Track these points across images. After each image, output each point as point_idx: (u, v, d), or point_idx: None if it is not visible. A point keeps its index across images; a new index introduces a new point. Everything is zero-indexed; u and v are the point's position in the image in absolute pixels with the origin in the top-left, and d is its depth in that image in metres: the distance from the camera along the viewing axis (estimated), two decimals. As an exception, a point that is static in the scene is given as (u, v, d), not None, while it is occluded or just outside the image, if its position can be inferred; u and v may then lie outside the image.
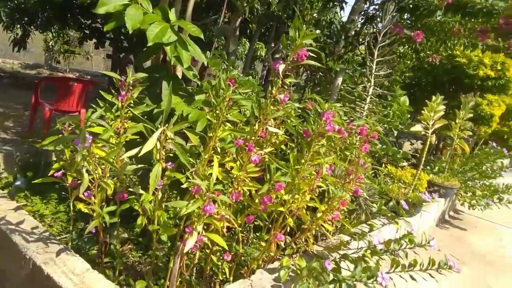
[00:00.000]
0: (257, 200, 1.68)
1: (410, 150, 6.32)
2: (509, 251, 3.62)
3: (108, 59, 10.44)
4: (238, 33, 3.82)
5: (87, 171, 1.55)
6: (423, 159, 3.22)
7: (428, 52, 4.32)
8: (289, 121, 1.94)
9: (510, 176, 6.24)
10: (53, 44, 11.79)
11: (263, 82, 4.89)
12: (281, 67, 1.50)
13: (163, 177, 1.65)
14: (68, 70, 12.29)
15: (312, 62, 1.59)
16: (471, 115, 3.83)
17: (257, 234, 2.22)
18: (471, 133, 3.93)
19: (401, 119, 3.38)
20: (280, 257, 2.16)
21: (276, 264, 2.01)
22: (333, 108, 1.82)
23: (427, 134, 3.14)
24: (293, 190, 1.71)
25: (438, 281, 1.87)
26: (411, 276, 1.89)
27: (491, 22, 3.25)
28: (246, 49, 7.74)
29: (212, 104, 1.57)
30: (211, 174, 1.54)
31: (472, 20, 3.20)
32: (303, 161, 1.78)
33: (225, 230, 1.68)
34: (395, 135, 3.98)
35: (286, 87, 1.59)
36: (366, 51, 2.51)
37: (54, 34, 10.08)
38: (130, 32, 1.73)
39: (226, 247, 1.53)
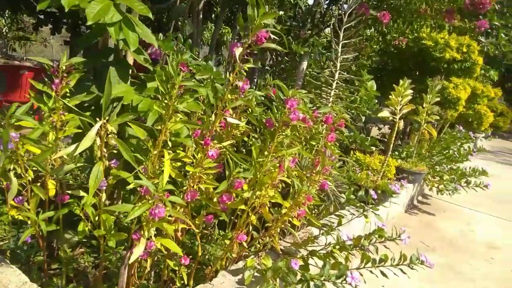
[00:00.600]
0: (215, 199, 1.52)
1: (378, 135, 6.32)
2: (478, 235, 3.63)
3: (66, 45, 9.91)
4: (201, 16, 3.60)
5: (16, 174, 1.34)
6: (391, 145, 3.15)
7: (394, 35, 4.24)
8: (251, 110, 1.78)
9: (477, 160, 6.35)
10: (6, 30, 11.09)
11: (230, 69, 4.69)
12: (238, 50, 1.33)
13: (108, 177, 1.47)
14: (25, 58, 11.63)
15: (273, 45, 1.43)
16: (438, 99, 3.79)
17: (221, 232, 2.07)
18: (438, 117, 3.90)
19: (368, 105, 3.28)
20: (248, 253, 2.02)
21: (241, 264, 1.87)
22: (297, 94, 1.67)
23: (394, 120, 3.05)
24: (255, 186, 1.56)
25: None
26: (382, 272, 1.79)
27: (457, 2, 3.18)
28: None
29: (161, 92, 1.39)
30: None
31: (439, 0, 3.12)
32: (266, 153, 1.63)
33: (179, 234, 1.52)
34: (363, 121, 3.91)
35: (245, 73, 1.42)
36: (331, 34, 2.38)
37: (6, 19, 9.46)
38: (66, 11, 1.51)
39: (181, 253, 1.37)
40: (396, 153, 4.22)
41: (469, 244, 3.39)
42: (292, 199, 1.64)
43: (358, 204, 2.43)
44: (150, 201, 1.25)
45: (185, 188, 1.49)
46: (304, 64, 2.46)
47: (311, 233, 2.41)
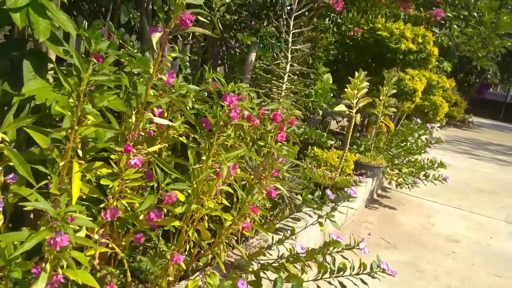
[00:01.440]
0: (142, 217, 1.28)
1: (336, 128, 6.23)
2: (438, 228, 3.57)
3: None
4: (151, 6, 3.31)
5: None
6: (349, 140, 3.00)
7: (349, 26, 4.10)
8: (188, 107, 1.55)
9: (435, 150, 6.40)
10: None
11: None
12: (157, 35, 1.09)
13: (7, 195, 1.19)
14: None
15: (199, 29, 1.20)
16: (394, 91, 3.69)
17: (168, 244, 1.82)
18: (395, 110, 3.81)
19: (324, 98, 3.12)
20: (194, 268, 1.79)
21: (183, 285, 1.64)
22: (239, 89, 1.45)
23: (351, 114, 2.90)
24: (192, 198, 1.33)
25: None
26: (340, 283, 1.62)
27: (412, -10, 3.07)
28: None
29: (67, 89, 1.13)
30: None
31: (393, -12, 3.00)
32: (204, 158, 1.40)
33: (96, 262, 1.26)
34: (320, 114, 3.75)
35: (169, 64, 1.18)
36: (281, 23, 2.17)
37: None
38: None
39: (97, 286, 1.12)
40: (355, 147, 4.11)
41: (431, 239, 3.32)
42: (237, 210, 1.42)
43: (315, 206, 2.25)
44: (50, 227, 0.99)
45: (103, 205, 1.24)
46: (253, 56, 2.25)
47: (265, 240, 2.21)
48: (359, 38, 4.21)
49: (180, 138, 1.58)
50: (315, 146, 3.43)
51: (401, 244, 3.12)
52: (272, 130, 1.72)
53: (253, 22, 3.06)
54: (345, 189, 1.94)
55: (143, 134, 1.29)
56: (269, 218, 2.31)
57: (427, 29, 4.51)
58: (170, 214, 1.34)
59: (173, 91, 1.45)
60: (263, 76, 2.26)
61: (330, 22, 3.74)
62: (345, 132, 5.56)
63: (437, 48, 4.57)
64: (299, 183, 2.28)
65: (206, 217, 1.36)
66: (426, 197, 4.38)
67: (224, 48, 3.21)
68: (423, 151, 4.06)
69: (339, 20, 3.98)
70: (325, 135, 2.66)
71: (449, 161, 5.98)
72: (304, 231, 2.26)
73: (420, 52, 4.32)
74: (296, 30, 2.21)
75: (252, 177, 1.67)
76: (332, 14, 3.80)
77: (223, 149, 1.47)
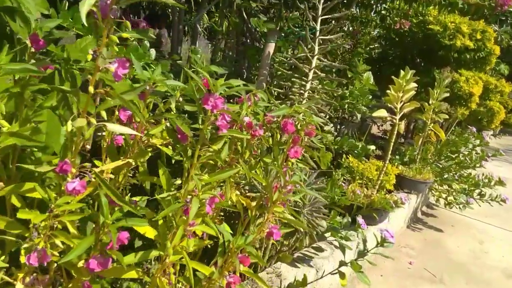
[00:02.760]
0: (80, 264, 0.90)
1: (378, 132, 5.69)
2: (493, 257, 3.01)
3: None
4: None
5: None
6: (390, 151, 2.52)
7: (395, 18, 3.59)
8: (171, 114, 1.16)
9: (493, 164, 5.69)
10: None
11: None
12: (86, 4, 0.71)
13: None
14: None
15: (170, 1, 0.81)
16: (446, 94, 3.15)
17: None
18: (447, 117, 3.27)
19: (361, 100, 2.65)
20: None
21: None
22: (229, 86, 1.05)
23: (394, 120, 2.42)
24: (158, 240, 0.95)
25: None
26: None
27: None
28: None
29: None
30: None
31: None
32: (178, 182, 1.01)
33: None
34: (359, 118, 3.28)
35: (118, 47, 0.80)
36: (306, 7, 1.74)
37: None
38: None
39: None
40: (397, 156, 3.60)
41: (484, 271, 2.77)
42: (221, 256, 1.02)
43: (342, 235, 1.81)
44: None
45: (27, 245, 0.88)
46: (271, 47, 1.84)
47: (278, 274, 1.80)
48: (406, 33, 3.68)
49: (164, 149, 1.20)
50: (350, 155, 2.97)
51: (449, 278, 2.61)
52: (286, 142, 1.31)
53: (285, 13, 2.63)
54: (381, 232, 1.49)
55: (88, 147, 0.92)
56: (284, 245, 1.89)
57: (487, 25, 3.91)
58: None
59: (151, 87, 1.08)
60: (281, 72, 1.84)
61: (373, 13, 3.25)
62: (387, 137, 5.03)
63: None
64: (325, 204, 1.84)
65: (172, 269, 0.97)
66: (478, 218, 3.79)
67: (248, 41, 2.81)
68: (478, 165, 3.48)
69: (383, 11, 3.48)
70: (360, 145, 2.20)
71: (506, 174, 5.28)
72: (328, 261, 1.82)
73: (478, 50, 3.73)
74: (326, 16, 1.77)
75: (254, 203, 1.26)
76: (375, 5, 3.31)
77: (210, 169, 1.08)
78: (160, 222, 0.95)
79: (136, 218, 0.91)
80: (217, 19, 6.28)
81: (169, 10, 5.16)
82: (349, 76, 2.98)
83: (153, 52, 1.83)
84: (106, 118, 0.88)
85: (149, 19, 5.55)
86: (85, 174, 0.94)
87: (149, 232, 1.04)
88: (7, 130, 0.81)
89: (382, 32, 3.82)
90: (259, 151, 1.24)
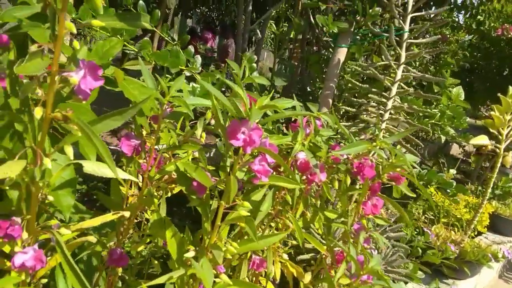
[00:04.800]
0: None
1: (459, 154, 5.01)
2: None
3: None
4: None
5: None
6: (490, 188, 1.98)
7: (494, 24, 3.01)
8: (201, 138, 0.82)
9: None
10: None
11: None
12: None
13: None
14: None
15: None
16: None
17: None
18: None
19: (453, 122, 2.15)
20: None
21: None
22: (283, 109, 0.68)
23: (497, 150, 1.90)
24: None
25: None
26: None
27: None
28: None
29: None
30: None
31: None
32: (191, 255, 0.66)
33: None
34: (443, 141, 2.75)
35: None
36: (392, 3, 1.31)
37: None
38: None
39: None
40: (484, 188, 2.99)
41: None
42: None
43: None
44: None
45: None
46: (341, 54, 1.43)
47: None
48: (505, 40, 3.08)
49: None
50: (431, 186, 2.45)
51: None
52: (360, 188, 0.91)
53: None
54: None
55: (43, 196, 0.59)
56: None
57: None
58: None
59: (164, 108, 0.75)
60: (354, 86, 1.42)
61: (468, 15, 2.72)
62: (471, 161, 4.35)
63: None
64: (402, 254, 1.40)
65: None
66: None
67: (314, 48, 2.43)
68: None
69: (479, 16, 2.92)
70: (454, 184, 1.71)
71: None
72: None
73: None
74: (418, 14, 1.34)
75: (308, 277, 0.88)
76: (470, 7, 2.77)
77: (238, 236, 0.72)
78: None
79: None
80: (284, 29, 5.97)
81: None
82: (436, 91, 2.48)
83: (198, 59, 1.52)
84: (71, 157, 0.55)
85: (212, 29, 5.40)
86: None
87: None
88: None
89: (474, 40, 3.24)
90: (318, 202, 0.85)
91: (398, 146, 1.07)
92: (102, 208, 1.95)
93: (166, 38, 1.55)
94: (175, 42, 1.49)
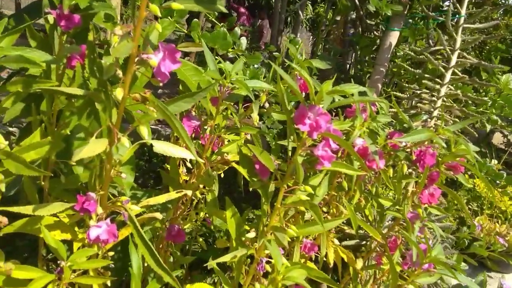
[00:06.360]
0: None
1: (501, 144, 4.82)
2: None
3: None
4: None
5: None
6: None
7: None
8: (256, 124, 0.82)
9: None
10: None
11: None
12: None
13: None
14: None
15: None
16: None
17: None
18: None
19: (502, 110, 2.07)
20: None
21: None
22: (345, 96, 0.68)
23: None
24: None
25: None
26: None
27: None
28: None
29: None
30: None
31: None
32: (251, 236, 0.68)
33: None
34: (488, 130, 2.65)
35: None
36: None
37: None
38: None
39: None
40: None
41: None
42: None
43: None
44: None
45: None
46: (393, 38, 1.39)
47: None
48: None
49: (242, 170, 0.87)
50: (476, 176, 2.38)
51: None
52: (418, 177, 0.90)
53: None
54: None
55: (117, 173, 0.62)
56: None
57: None
58: None
59: (223, 90, 0.76)
60: (407, 71, 1.38)
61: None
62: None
63: None
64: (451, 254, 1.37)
65: None
66: None
67: (356, 31, 2.37)
68: None
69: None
70: (504, 175, 1.66)
71: None
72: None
73: None
74: (476, -3, 1.28)
75: (359, 263, 0.88)
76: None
77: (296, 218, 0.73)
78: None
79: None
80: (321, 10, 5.84)
81: (273, 0, 4.89)
82: (483, 78, 2.38)
83: (243, 40, 1.52)
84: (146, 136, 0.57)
85: (251, 9, 5.33)
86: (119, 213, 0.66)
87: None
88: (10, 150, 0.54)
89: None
90: (373, 189, 0.85)
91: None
92: (142, 185, 1.99)
93: (213, 20, 1.55)
94: (221, 24, 1.49)
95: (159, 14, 0.47)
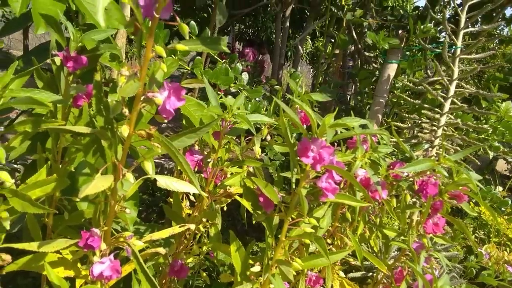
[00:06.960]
0: None
1: (505, 171, 4.80)
2: None
3: None
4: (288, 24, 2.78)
5: None
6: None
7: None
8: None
9: None
10: None
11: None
12: None
13: None
14: None
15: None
16: None
17: None
18: None
19: (504, 137, 2.08)
20: None
21: None
22: (346, 128, 0.69)
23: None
24: None
25: None
26: None
27: None
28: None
29: None
30: None
31: None
32: (256, 270, 0.67)
33: None
34: (491, 157, 2.66)
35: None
36: (443, 18, 1.30)
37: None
38: None
39: None
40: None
41: None
42: None
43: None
44: None
45: None
46: (391, 69, 1.43)
47: None
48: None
49: (245, 203, 0.87)
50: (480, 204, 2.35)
51: None
52: (420, 206, 0.90)
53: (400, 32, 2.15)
54: None
55: (128, 211, 0.62)
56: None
57: None
58: None
59: (225, 124, 0.77)
60: (406, 101, 1.41)
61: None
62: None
63: None
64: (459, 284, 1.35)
65: None
66: None
67: (357, 63, 2.42)
68: None
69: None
70: (510, 202, 1.66)
71: None
72: None
73: None
74: (471, 29, 1.32)
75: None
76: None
77: (301, 251, 0.73)
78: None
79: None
80: (320, 44, 5.97)
81: (273, 35, 5.02)
82: (484, 106, 2.40)
83: (245, 76, 1.55)
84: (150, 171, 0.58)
85: (251, 45, 5.47)
86: (122, 248, 0.66)
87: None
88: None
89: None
90: (377, 219, 0.84)
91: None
92: (146, 220, 1.98)
93: (215, 57, 1.59)
94: (223, 61, 1.53)
95: (164, 55, 0.49)
